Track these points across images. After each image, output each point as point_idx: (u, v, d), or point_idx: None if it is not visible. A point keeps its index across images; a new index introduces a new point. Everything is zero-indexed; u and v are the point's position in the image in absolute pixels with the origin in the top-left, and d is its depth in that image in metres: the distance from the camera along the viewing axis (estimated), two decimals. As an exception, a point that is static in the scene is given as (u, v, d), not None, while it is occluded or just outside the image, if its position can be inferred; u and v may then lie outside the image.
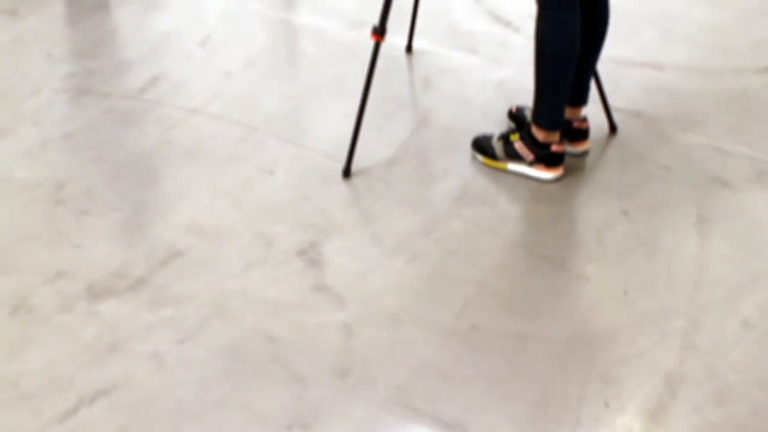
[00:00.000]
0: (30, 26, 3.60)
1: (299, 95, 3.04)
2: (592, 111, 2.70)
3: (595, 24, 2.50)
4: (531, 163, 2.56)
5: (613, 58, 3.07)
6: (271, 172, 2.64)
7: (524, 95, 2.67)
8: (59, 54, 3.40)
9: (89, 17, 3.67)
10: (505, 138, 2.59)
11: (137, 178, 2.65)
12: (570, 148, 2.64)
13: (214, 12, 3.66)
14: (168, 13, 3.68)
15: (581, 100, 2.61)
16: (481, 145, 2.64)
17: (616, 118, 2.80)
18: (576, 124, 2.63)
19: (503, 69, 3.14)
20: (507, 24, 3.46)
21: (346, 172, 2.59)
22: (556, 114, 2.50)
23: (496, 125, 2.78)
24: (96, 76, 3.19)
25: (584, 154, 2.68)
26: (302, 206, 2.49)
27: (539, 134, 2.51)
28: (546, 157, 2.53)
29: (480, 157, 2.64)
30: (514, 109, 2.79)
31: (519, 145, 2.55)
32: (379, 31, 2.49)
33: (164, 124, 2.87)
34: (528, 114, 2.64)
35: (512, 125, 2.75)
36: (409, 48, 3.23)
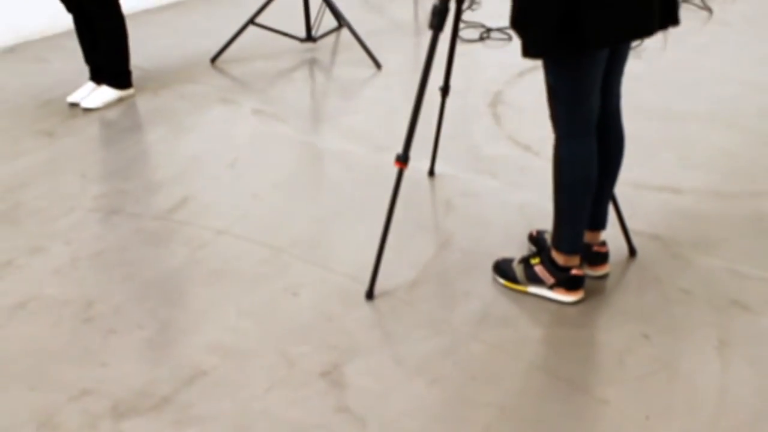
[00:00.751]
0: (66, 147, 3.74)
1: (324, 217, 3.12)
2: (610, 234, 2.75)
3: (610, 151, 2.57)
4: (551, 287, 2.59)
5: (632, 182, 3.14)
6: (295, 293, 2.69)
7: (544, 218, 2.73)
8: (92, 174, 3.52)
9: (122, 139, 3.81)
10: (525, 261, 2.63)
11: (164, 297, 2.70)
12: (590, 272, 2.68)
13: (242, 135, 3.79)
14: (198, 135, 3.81)
15: (600, 224, 2.66)
16: (502, 269, 2.68)
17: (635, 241, 2.84)
18: (595, 248, 2.67)
19: (523, 192, 3.21)
20: (526, 148, 3.55)
21: (369, 294, 2.63)
22: (576, 239, 2.55)
23: (516, 248, 2.83)
24: (127, 196, 3.29)
25: (604, 277, 2.71)
26: (325, 327, 2.53)
27: (559, 258, 2.56)
28: (566, 281, 2.57)
29: (501, 280, 2.68)
30: (534, 233, 2.84)
31: (539, 269, 2.59)
32: (403, 159, 2.57)
33: (192, 245, 2.94)
34: (548, 238, 2.69)
35: (533, 249, 2.80)
36: (431, 172, 3.31)
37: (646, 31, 2.30)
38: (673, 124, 3.80)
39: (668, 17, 2.35)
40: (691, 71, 4.41)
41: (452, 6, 2.59)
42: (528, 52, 2.30)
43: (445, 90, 3.02)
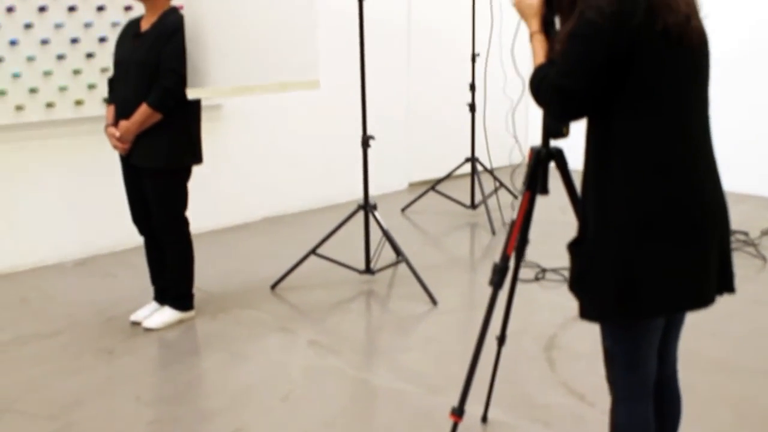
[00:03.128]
0: (124, 366, 3.81)
1: (374, 460, 3.09)
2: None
3: (666, 414, 2.52)
4: None
5: (688, 441, 3.07)
6: None
7: (598, 477, 2.67)
8: (147, 397, 3.56)
9: (179, 362, 3.87)
10: None
11: None
12: None
13: (296, 367, 3.83)
14: (253, 364, 3.86)
15: (657, 489, 2.60)
16: None
17: (693, 507, 2.76)
18: None
19: (577, 446, 3.16)
20: (581, 397, 3.51)
21: None
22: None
23: (569, 508, 2.76)
24: (179, 424, 3.31)
25: None
26: None
27: None
28: None
29: None
30: (588, 493, 2.78)
31: None
32: (458, 413, 2.58)
33: (240, 482, 2.93)
34: (603, 500, 2.62)
35: None
36: (484, 418, 3.28)
37: (705, 301, 2.33)
38: (730, 377, 3.75)
39: (724, 285, 2.39)
40: (747, 322, 4.39)
41: (512, 264, 2.68)
42: (586, 314, 2.34)
43: (501, 339, 3.05)
